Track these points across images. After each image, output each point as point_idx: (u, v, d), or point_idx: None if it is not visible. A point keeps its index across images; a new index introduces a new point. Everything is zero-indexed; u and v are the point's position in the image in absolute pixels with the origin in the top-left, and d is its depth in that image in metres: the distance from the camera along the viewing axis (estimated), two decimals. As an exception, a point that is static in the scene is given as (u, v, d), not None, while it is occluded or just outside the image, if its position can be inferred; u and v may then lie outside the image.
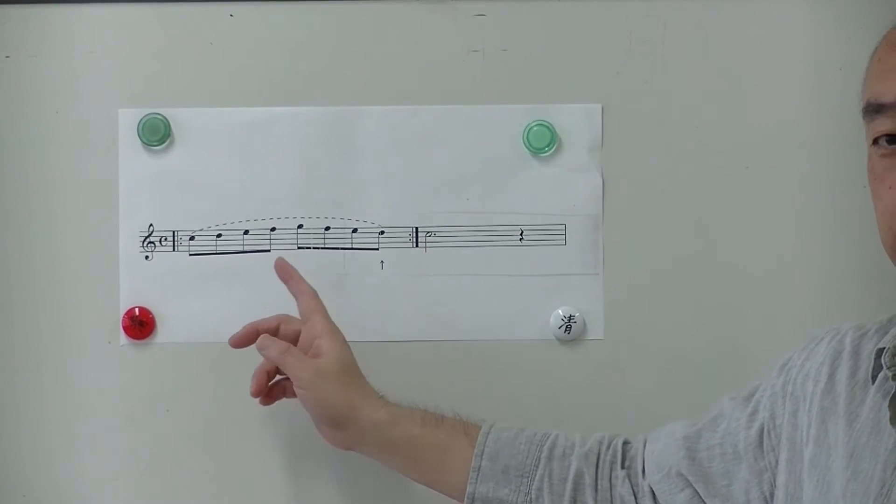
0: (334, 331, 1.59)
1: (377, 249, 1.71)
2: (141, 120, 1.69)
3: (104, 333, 1.70)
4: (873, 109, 1.27)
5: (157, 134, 1.69)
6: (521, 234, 1.72)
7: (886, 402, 1.29)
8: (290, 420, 1.69)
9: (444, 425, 1.56)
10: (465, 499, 1.53)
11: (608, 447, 1.54)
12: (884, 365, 1.30)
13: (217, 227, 1.70)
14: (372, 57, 1.70)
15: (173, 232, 1.70)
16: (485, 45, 1.71)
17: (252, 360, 1.67)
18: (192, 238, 1.70)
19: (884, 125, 1.26)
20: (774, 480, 1.40)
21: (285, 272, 1.64)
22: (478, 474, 1.53)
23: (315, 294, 1.62)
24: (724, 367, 1.71)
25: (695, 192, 1.71)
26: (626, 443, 1.56)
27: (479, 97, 1.71)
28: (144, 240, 1.70)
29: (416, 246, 1.71)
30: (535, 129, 1.71)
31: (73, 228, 1.70)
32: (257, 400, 1.63)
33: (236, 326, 1.66)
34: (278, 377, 1.63)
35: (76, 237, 1.70)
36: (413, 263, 1.71)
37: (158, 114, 1.69)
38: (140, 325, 1.69)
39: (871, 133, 1.28)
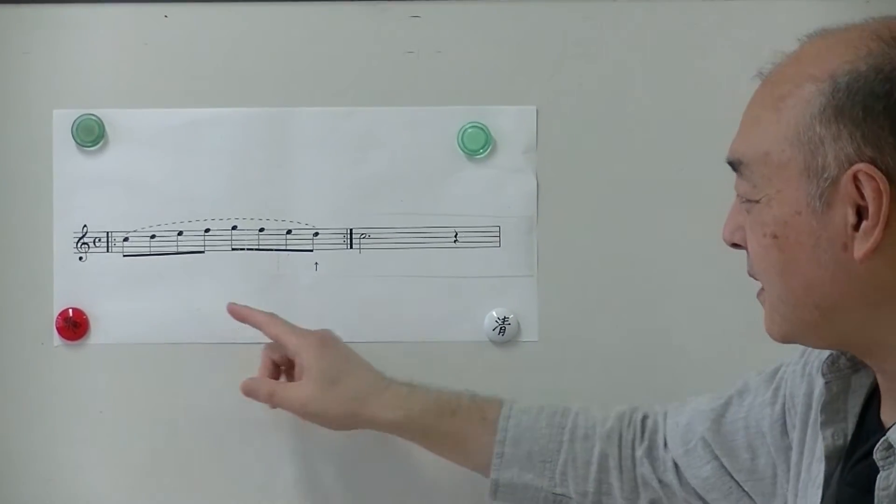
0: (305, 345, 1.60)
1: (311, 251, 1.71)
2: (75, 121, 1.69)
3: (38, 334, 1.70)
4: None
5: (91, 135, 1.69)
6: (455, 236, 1.72)
7: (819, 408, 1.30)
8: (222, 420, 1.70)
9: (459, 412, 1.56)
10: (490, 485, 1.54)
11: (629, 424, 1.54)
12: (820, 372, 1.31)
13: (151, 229, 1.70)
14: (307, 58, 1.70)
15: (107, 233, 1.70)
16: (419, 46, 1.70)
17: (185, 362, 1.68)
18: (125, 239, 1.70)
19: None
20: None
21: (239, 315, 1.65)
22: (501, 461, 1.54)
23: (271, 319, 1.63)
24: (656, 369, 1.71)
25: (628, 195, 1.72)
26: (644, 417, 1.55)
27: (414, 99, 1.71)
28: (78, 241, 1.70)
29: (351, 247, 1.71)
30: (469, 130, 1.71)
31: (6, 229, 1.69)
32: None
33: (170, 327, 1.69)
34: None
35: (9, 238, 1.69)
36: (347, 265, 1.71)
37: (93, 115, 1.69)
38: (74, 326, 1.69)
39: None
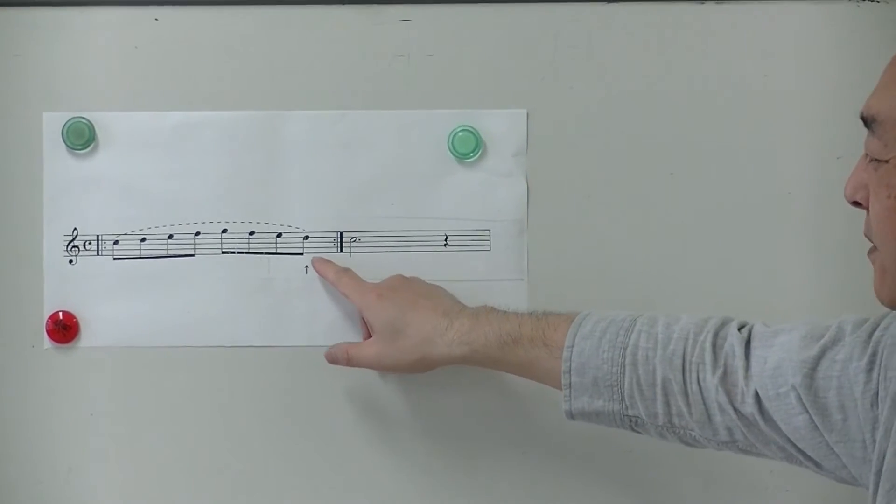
0: (366, 303, 1.63)
1: (302, 254, 1.71)
2: (65, 124, 1.69)
3: (28, 337, 1.70)
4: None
5: (81, 138, 1.69)
6: (445, 240, 1.72)
7: None
8: (213, 422, 1.70)
9: (521, 342, 1.55)
10: (565, 416, 1.53)
11: (694, 344, 1.49)
12: None
13: (141, 232, 1.70)
14: (297, 61, 1.70)
15: (97, 236, 1.70)
16: (410, 50, 1.70)
17: (175, 365, 1.69)
18: (116, 242, 1.70)
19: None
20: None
21: (317, 268, 1.69)
22: (570, 391, 1.52)
23: (339, 277, 1.67)
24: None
25: (619, 198, 1.71)
26: (716, 337, 1.49)
27: (405, 102, 1.71)
28: (69, 244, 1.70)
29: (341, 251, 1.71)
30: (460, 134, 1.71)
31: (-4, 232, 1.70)
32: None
33: (160, 330, 1.69)
34: None
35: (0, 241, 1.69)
36: (338, 268, 1.71)
37: (83, 118, 1.69)
38: (64, 329, 1.69)
39: None
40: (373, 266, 1.70)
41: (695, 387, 1.48)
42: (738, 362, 1.46)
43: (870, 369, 1.39)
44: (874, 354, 1.39)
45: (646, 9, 1.70)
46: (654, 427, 1.51)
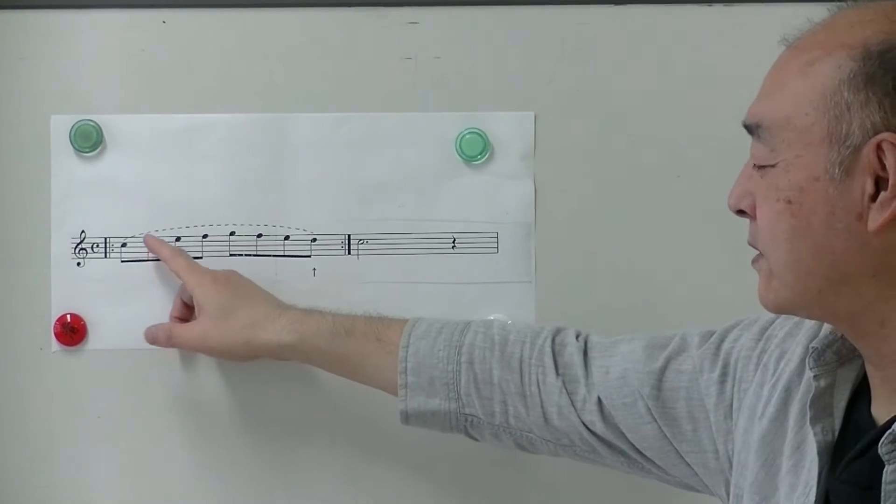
0: (199, 282, 1.63)
1: (309, 257, 1.71)
2: (73, 126, 1.69)
3: (36, 340, 1.70)
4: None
5: (89, 140, 1.69)
6: (453, 242, 1.72)
7: (808, 403, 1.29)
8: (222, 425, 1.70)
9: (353, 334, 1.56)
10: (400, 416, 1.54)
11: (532, 347, 1.52)
12: (807, 366, 1.30)
13: (149, 234, 1.70)
14: (304, 64, 1.70)
15: (105, 238, 1.70)
16: (417, 52, 1.71)
17: (182, 367, 1.69)
18: (123, 245, 1.70)
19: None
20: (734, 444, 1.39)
21: (149, 246, 1.68)
22: (406, 390, 1.54)
23: (173, 254, 1.66)
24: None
25: (626, 201, 1.72)
26: (554, 340, 1.52)
27: (412, 105, 1.71)
28: (76, 246, 1.70)
29: (349, 253, 1.71)
30: (467, 136, 1.71)
31: (4, 235, 1.69)
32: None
33: (167, 333, 1.69)
34: None
35: (8, 243, 1.69)
36: (345, 271, 1.71)
37: (90, 120, 1.69)
38: (71, 331, 1.69)
39: None
40: (380, 268, 1.70)
41: (533, 388, 1.50)
42: (578, 370, 1.49)
43: (722, 381, 1.42)
44: (726, 366, 1.42)
45: (653, 11, 1.71)
46: (489, 427, 1.52)
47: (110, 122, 1.70)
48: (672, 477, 1.48)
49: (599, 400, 1.48)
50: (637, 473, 1.51)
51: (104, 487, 1.70)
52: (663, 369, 1.46)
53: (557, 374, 1.50)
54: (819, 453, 1.26)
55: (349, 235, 1.71)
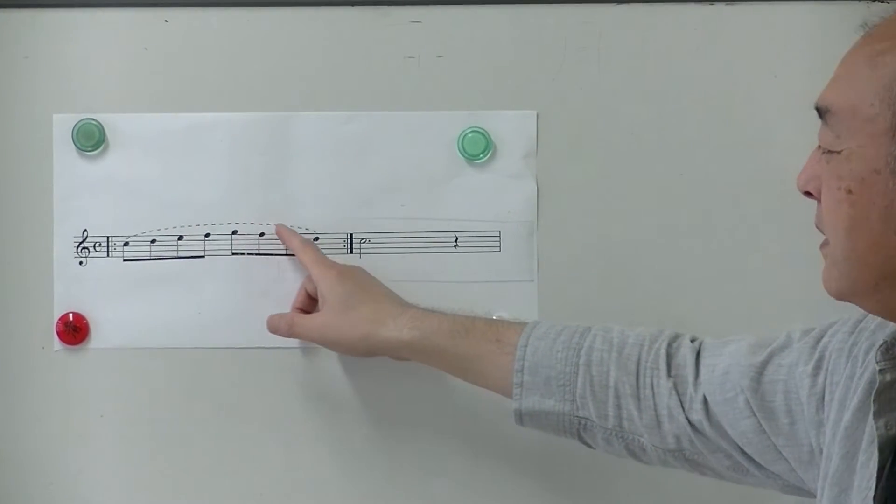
0: (325, 275, 1.63)
1: (312, 255, 1.71)
2: (75, 125, 1.69)
3: (38, 339, 1.70)
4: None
5: (91, 139, 1.69)
6: (455, 241, 1.72)
7: (871, 397, 1.28)
8: (223, 424, 1.70)
9: (473, 333, 1.56)
10: (514, 415, 1.54)
11: (649, 350, 1.51)
12: (874, 359, 1.29)
13: (151, 233, 1.70)
14: (307, 63, 1.70)
15: (108, 237, 1.70)
16: (420, 51, 1.70)
17: (185, 367, 1.69)
18: (126, 244, 1.70)
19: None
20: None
21: (280, 235, 1.69)
22: (521, 390, 1.53)
23: (304, 246, 1.67)
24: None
25: (629, 199, 1.72)
26: (669, 346, 1.52)
27: (415, 103, 1.71)
28: (79, 245, 1.70)
29: (351, 252, 1.71)
30: (469, 135, 1.71)
31: (6, 234, 1.69)
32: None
33: (170, 332, 1.69)
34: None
35: (10, 242, 1.69)
36: (348, 270, 1.71)
37: (93, 119, 1.69)
38: (74, 330, 1.69)
39: None
40: (383, 267, 1.70)
41: (647, 391, 1.50)
42: (689, 371, 1.49)
43: (815, 374, 1.40)
44: (820, 360, 1.41)
45: (655, 10, 1.71)
46: (602, 431, 1.52)
47: (113, 121, 1.69)
48: (773, 477, 1.46)
49: (705, 398, 1.47)
50: (739, 478, 1.50)
51: (106, 487, 1.70)
52: (765, 363, 1.44)
53: (669, 375, 1.49)
54: (880, 448, 1.26)
55: (351, 234, 1.71)
